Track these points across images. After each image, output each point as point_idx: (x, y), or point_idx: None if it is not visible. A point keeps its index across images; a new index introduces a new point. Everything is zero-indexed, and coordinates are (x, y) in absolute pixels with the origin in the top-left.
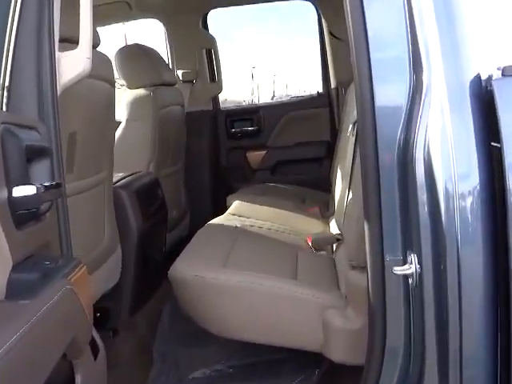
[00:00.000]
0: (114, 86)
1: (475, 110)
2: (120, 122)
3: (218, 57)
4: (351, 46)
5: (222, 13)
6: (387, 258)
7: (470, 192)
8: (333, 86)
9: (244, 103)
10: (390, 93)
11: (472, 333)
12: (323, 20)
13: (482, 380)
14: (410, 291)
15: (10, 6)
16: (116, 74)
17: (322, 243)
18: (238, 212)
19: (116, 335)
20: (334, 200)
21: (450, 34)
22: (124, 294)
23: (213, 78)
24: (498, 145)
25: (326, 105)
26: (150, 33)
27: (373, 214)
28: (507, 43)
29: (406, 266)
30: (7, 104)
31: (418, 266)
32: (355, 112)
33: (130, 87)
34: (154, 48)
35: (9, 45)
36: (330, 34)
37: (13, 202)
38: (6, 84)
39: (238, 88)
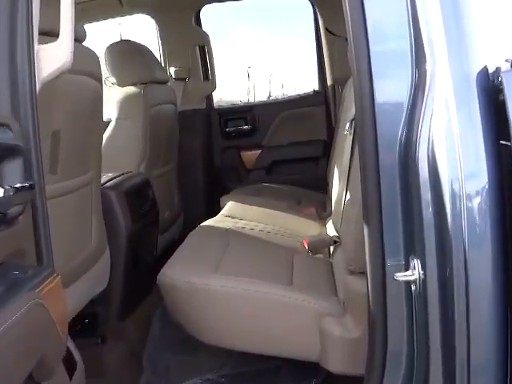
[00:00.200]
0: (102, 83)
1: (482, 105)
2: (109, 121)
3: (211, 54)
4: (350, 39)
5: (218, 12)
6: (388, 262)
7: (477, 192)
8: (329, 83)
9: (240, 103)
10: (390, 88)
11: (481, 342)
12: (319, 16)
13: None
14: (413, 299)
15: None
16: (107, 72)
17: (319, 246)
18: (232, 213)
19: (104, 342)
20: (330, 200)
21: (455, 23)
22: (113, 300)
23: (206, 76)
24: (508, 143)
25: (322, 103)
26: (145, 31)
27: (372, 216)
28: None
29: (409, 272)
30: None
31: (421, 272)
32: (353, 109)
33: (119, 85)
34: (148, 46)
35: None
36: (327, 30)
37: None
38: None
39: (234, 88)
